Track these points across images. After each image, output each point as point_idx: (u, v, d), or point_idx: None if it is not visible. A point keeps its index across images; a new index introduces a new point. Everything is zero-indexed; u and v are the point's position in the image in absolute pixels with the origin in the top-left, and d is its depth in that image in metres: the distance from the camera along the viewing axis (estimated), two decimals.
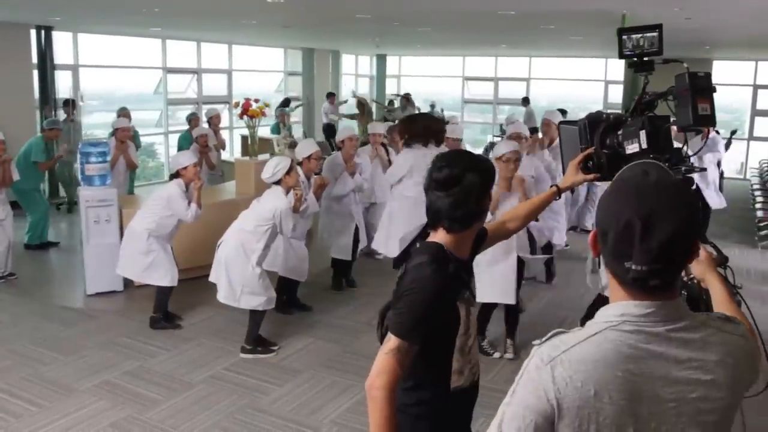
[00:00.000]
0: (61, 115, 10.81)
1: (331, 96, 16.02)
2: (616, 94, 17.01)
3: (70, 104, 10.73)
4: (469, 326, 2.20)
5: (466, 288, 2.19)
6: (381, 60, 20.70)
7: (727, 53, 15.67)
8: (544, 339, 1.43)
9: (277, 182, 5.28)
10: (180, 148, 9.36)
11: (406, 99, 16.30)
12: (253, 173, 7.48)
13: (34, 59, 11.30)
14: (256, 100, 7.55)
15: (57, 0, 8.35)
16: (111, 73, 13.78)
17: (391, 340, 2.01)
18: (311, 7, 9.04)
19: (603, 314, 1.43)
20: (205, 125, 10.25)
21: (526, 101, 16.79)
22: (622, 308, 1.40)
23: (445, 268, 2.05)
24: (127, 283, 6.82)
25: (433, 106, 17.22)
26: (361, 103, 12.27)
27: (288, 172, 5.25)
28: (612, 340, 1.36)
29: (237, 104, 7.49)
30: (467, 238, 2.16)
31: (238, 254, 5.25)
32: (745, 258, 8.55)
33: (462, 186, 2.07)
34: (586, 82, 18.51)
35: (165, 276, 5.89)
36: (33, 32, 11.22)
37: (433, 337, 2.05)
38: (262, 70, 17.26)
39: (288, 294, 6.24)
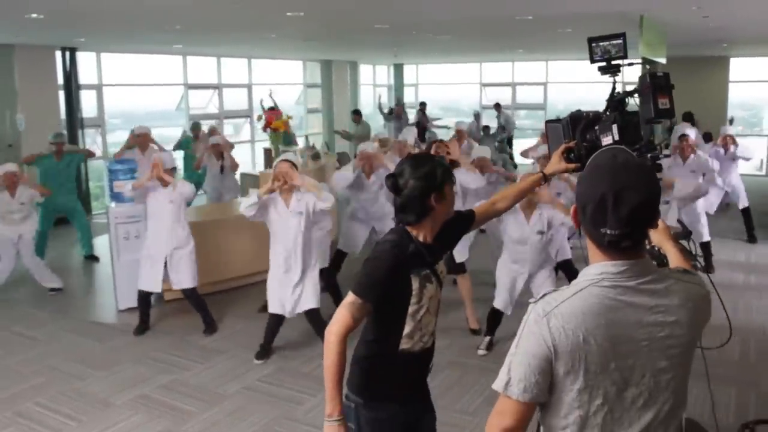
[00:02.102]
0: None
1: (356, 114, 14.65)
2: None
3: None
4: (422, 298, 2.51)
5: (427, 267, 2.52)
6: (398, 69, 20.77)
7: (744, 50, 15.55)
8: (537, 298, 1.74)
9: None
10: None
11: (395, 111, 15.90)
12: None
13: (60, 80, 11.51)
14: (279, 113, 7.65)
15: (81, 22, 8.49)
16: (134, 91, 13.98)
17: (349, 295, 2.44)
18: (330, 19, 9.11)
19: (585, 274, 1.74)
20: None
21: (497, 107, 16.69)
22: (601, 268, 1.71)
23: (403, 247, 2.47)
24: (158, 297, 6.91)
25: (477, 115, 17.05)
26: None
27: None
28: (595, 295, 1.68)
29: (260, 117, 7.58)
30: (424, 228, 2.53)
31: None
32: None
33: (407, 190, 2.49)
34: (602, 84, 18.38)
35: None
36: (58, 54, 11.43)
37: (386, 299, 2.46)
38: (281, 83, 17.38)
39: None
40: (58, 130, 10.92)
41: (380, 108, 16.17)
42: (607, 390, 1.70)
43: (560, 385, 1.71)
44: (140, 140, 8.63)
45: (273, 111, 7.46)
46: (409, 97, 21.03)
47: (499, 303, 5.49)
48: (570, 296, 1.70)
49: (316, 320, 5.55)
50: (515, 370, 1.70)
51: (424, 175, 2.49)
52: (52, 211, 8.47)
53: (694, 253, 2.36)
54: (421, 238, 2.52)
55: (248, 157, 14.78)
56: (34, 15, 7.43)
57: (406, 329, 2.52)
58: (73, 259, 8.90)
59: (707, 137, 11.22)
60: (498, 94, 18.86)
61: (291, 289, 5.43)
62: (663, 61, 10.35)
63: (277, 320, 5.58)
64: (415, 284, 2.48)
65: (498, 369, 1.75)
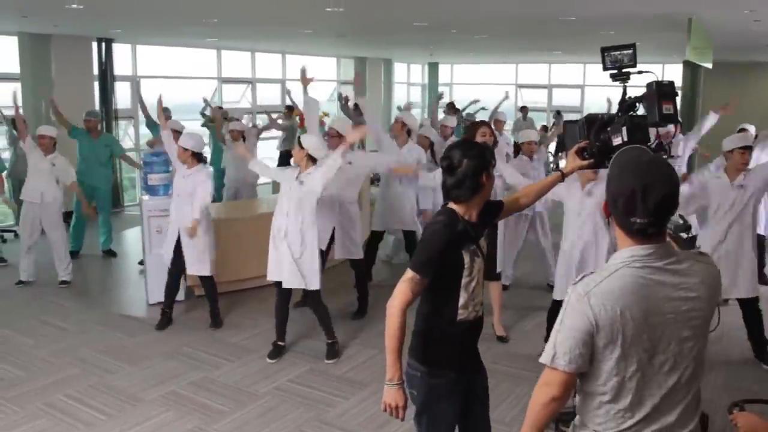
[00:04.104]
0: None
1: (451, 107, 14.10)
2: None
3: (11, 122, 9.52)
4: (473, 271, 2.76)
5: (473, 242, 2.77)
6: (433, 68, 20.60)
7: None
8: (577, 280, 1.99)
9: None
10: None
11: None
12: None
13: (96, 71, 11.54)
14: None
15: (119, 13, 8.47)
16: (168, 83, 13.99)
17: (408, 272, 2.68)
18: (369, 16, 8.99)
19: (618, 257, 1.99)
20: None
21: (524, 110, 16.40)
22: (631, 252, 1.97)
23: (453, 225, 2.72)
24: (189, 292, 6.85)
25: (559, 113, 16.83)
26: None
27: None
28: (629, 275, 1.93)
29: (297, 113, 7.46)
30: (473, 206, 2.79)
31: None
32: None
33: (460, 170, 2.73)
34: (641, 88, 18.08)
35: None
36: (94, 44, 11.47)
37: (441, 274, 2.70)
38: (315, 79, 17.31)
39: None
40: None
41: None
42: (640, 357, 1.94)
43: (600, 355, 1.95)
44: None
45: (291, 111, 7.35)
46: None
47: (557, 294, 5.27)
48: (607, 276, 1.94)
49: (315, 301, 5.48)
50: (561, 345, 1.95)
51: (476, 155, 2.77)
52: (87, 193, 8.46)
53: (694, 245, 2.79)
54: (467, 217, 2.78)
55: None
56: (74, 5, 7.40)
57: (461, 300, 2.76)
58: (98, 251, 8.86)
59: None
60: (534, 96, 18.64)
61: (289, 262, 5.28)
62: (709, 65, 10.09)
63: (283, 298, 5.47)
64: (467, 259, 2.73)
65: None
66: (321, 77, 17.32)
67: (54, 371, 5.24)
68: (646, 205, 1.91)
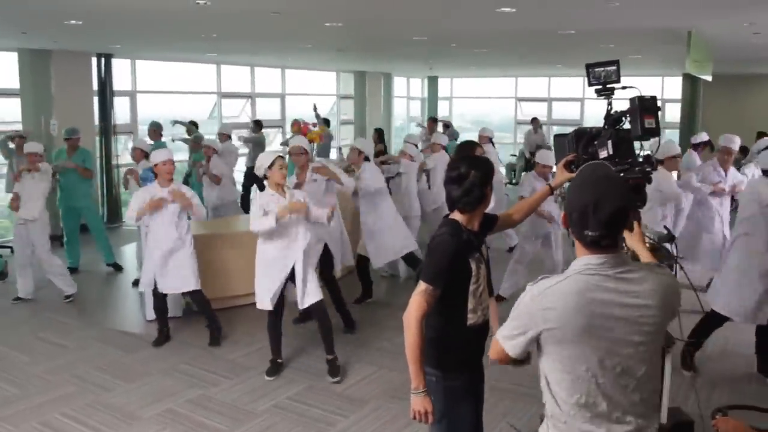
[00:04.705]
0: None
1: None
2: (674, 113, 16.61)
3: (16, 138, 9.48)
4: (479, 277, 2.92)
5: (477, 250, 2.93)
6: (433, 82, 20.62)
7: None
8: (534, 282, 2.14)
9: (265, 177, 5.30)
10: None
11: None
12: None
13: (95, 86, 11.54)
14: (314, 125, 7.52)
15: (117, 29, 8.46)
16: (167, 98, 14.00)
17: (421, 284, 2.81)
18: (368, 30, 9.00)
19: (574, 265, 2.13)
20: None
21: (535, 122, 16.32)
22: (586, 260, 2.10)
23: (459, 235, 2.87)
24: (186, 309, 6.80)
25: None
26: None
27: (270, 166, 5.17)
28: (582, 281, 2.08)
29: (296, 129, 7.45)
30: (476, 216, 2.97)
31: None
32: None
33: (468, 180, 2.88)
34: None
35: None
36: (94, 60, 11.47)
37: (451, 283, 2.84)
38: (314, 93, 17.33)
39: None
40: (91, 135, 11.00)
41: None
42: (589, 358, 2.08)
43: (553, 354, 2.12)
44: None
45: (311, 125, 7.34)
46: (443, 110, 20.90)
47: None
48: (561, 281, 2.10)
49: (323, 313, 5.41)
50: (511, 337, 2.17)
51: (482, 167, 2.95)
52: (71, 211, 8.46)
53: (676, 256, 3.00)
54: (470, 227, 2.95)
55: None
56: (73, 21, 7.40)
57: (470, 305, 2.91)
58: (101, 266, 8.83)
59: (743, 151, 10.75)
60: (534, 109, 18.65)
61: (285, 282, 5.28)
62: (709, 78, 10.10)
63: (275, 316, 5.41)
64: (473, 266, 2.89)
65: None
66: (321, 91, 17.41)
67: (50, 389, 5.19)
68: (597, 218, 2.05)
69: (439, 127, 13.74)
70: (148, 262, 6.02)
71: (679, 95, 15.89)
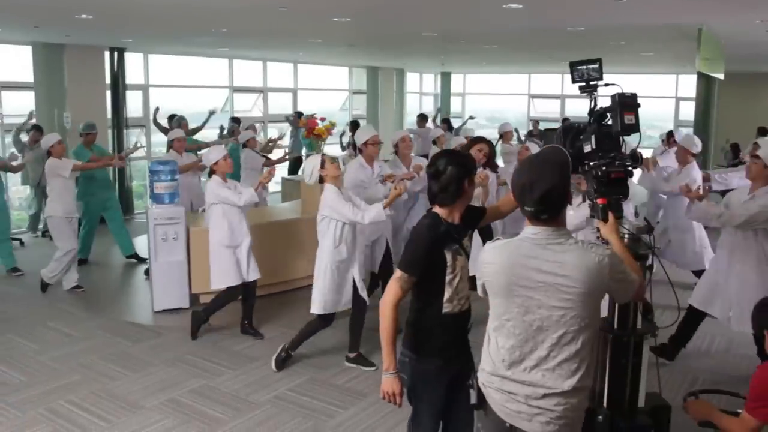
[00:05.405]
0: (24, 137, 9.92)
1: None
2: (688, 111, 16.49)
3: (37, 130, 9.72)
4: (455, 268, 3.02)
5: (455, 242, 3.03)
6: (446, 78, 20.61)
7: None
8: (493, 240, 2.58)
9: (321, 181, 5.24)
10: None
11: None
12: (319, 192, 7.43)
13: (108, 80, 11.65)
14: (323, 119, 7.53)
15: (128, 23, 8.54)
16: (179, 92, 14.09)
17: (397, 271, 2.99)
18: (377, 26, 9.01)
19: (521, 233, 2.49)
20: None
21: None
22: (527, 230, 2.47)
23: (437, 227, 3.02)
24: (194, 300, 6.87)
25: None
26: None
27: (322, 166, 5.19)
28: (515, 244, 2.47)
29: (303, 123, 7.47)
30: (456, 210, 3.08)
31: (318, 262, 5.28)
32: None
33: (445, 176, 3.02)
34: (655, 99, 17.99)
35: (227, 279, 5.95)
36: (107, 54, 11.58)
37: (427, 272, 2.99)
38: (327, 88, 17.39)
39: None
40: (104, 129, 11.11)
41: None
42: (513, 310, 2.44)
43: (491, 300, 2.54)
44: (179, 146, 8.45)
45: (319, 119, 7.32)
46: (455, 106, 20.87)
47: None
48: (503, 243, 2.51)
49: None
50: (478, 280, 2.61)
51: (460, 163, 3.07)
52: (94, 206, 8.51)
53: (653, 245, 3.17)
54: (450, 219, 3.07)
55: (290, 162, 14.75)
56: (84, 15, 7.48)
57: (446, 295, 3.02)
58: (113, 258, 8.93)
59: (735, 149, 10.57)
60: (547, 106, 18.58)
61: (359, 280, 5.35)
62: (720, 76, 10.03)
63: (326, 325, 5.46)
64: (449, 257, 3.00)
65: None
66: (333, 87, 17.46)
67: (57, 377, 5.28)
68: (531, 196, 2.37)
69: (430, 124, 13.76)
70: (234, 256, 5.98)
71: (693, 93, 15.77)
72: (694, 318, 5.30)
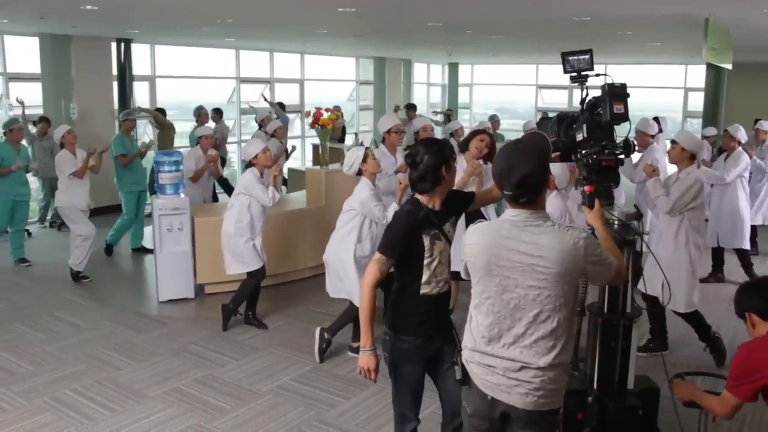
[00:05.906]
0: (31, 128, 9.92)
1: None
2: (697, 102, 16.39)
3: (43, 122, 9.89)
4: (433, 252, 3.11)
5: (435, 228, 3.12)
6: (453, 68, 20.53)
7: None
8: (475, 222, 2.70)
9: (359, 173, 5.22)
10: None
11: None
12: (324, 183, 7.47)
13: (114, 70, 11.68)
14: (328, 109, 7.51)
15: (133, 14, 8.56)
16: (186, 83, 14.12)
17: (376, 254, 3.12)
18: (382, 16, 8.99)
19: (500, 216, 2.60)
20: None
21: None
22: (507, 212, 2.56)
23: (416, 213, 3.12)
24: (199, 290, 6.91)
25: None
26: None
27: (364, 160, 5.18)
28: (495, 226, 2.58)
29: (309, 114, 7.47)
30: (436, 196, 3.16)
31: (337, 251, 5.31)
32: None
33: (422, 165, 3.11)
34: (664, 89, 17.88)
35: (250, 263, 5.97)
36: (114, 45, 11.60)
37: (405, 255, 3.11)
38: (334, 79, 17.37)
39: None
40: (111, 119, 11.16)
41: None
42: (492, 289, 2.55)
43: (472, 278, 2.66)
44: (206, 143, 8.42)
45: (324, 110, 7.30)
46: (463, 97, 20.81)
47: None
48: (485, 224, 2.65)
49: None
50: (462, 262, 2.75)
51: (436, 151, 3.14)
52: (135, 191, 8.64)
53: (642, 231, 3.27)
54: (431, 205, 3.16)
55: (298, 153, 14.77)
56: (89, 6, 7.50)
57: (424, 277, 3.12)
58: (120, 248, 8.96)
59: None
60: (554, 96, 18.51)
61: None
62: (729, 66, 9.95)
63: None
64: (426, 242, 3.09)
65: None
66: (340, 77, 17.43)
67: (62, 366, 5.33)
68: (510, 180, 2.48)
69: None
70: (251, 242, 6.00)
71: (702, 84, 15.65)
72: (651, 304, 5.26)
